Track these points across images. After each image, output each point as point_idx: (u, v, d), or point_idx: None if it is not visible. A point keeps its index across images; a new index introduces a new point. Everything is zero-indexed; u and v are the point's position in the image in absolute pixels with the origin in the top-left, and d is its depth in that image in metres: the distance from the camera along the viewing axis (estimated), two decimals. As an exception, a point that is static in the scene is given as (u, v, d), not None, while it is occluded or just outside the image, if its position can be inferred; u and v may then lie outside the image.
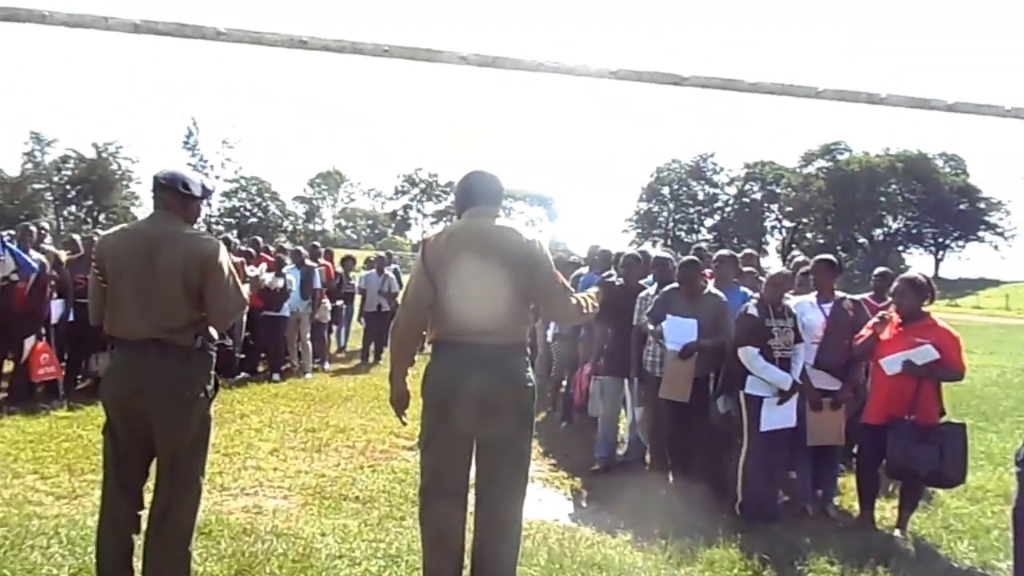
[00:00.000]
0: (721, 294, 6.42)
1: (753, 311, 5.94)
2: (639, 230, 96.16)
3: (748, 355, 5.83)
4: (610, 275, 6.96)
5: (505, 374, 3.74)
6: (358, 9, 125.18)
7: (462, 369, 3.72)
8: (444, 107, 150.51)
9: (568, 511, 6.10)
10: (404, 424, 4.14)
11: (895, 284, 5.76)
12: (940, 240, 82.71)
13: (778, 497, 6.12)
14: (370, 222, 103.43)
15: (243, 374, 11.18)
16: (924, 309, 5.62)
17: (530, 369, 3.89)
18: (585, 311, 4.00)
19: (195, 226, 3.96)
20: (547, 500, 6.34)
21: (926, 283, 5.64)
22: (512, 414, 3.76)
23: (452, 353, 3.78)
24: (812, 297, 6.26)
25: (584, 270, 9.37)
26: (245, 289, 4.01)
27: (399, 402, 3.98)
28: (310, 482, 6.32)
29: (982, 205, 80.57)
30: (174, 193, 3.84)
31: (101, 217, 72.89)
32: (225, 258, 3.80)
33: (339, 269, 14.97)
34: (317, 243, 15.20)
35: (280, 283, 11.32)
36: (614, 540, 5.26)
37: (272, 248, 13.77)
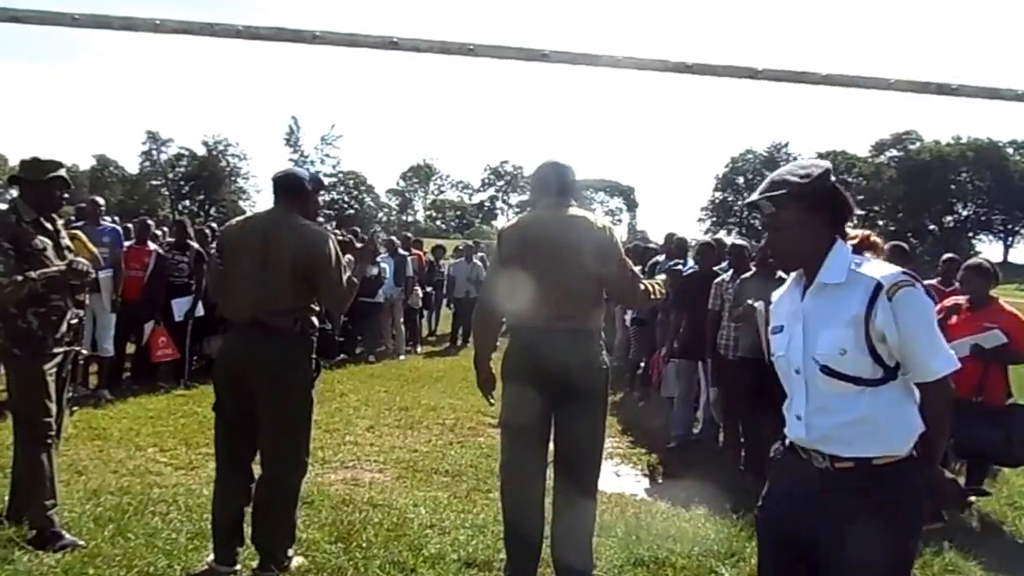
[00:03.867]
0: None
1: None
2: (714, 219, 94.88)
3: None
4: (677, 264, 6.89)
5: (578, 358, 3.73)
6: (446, 8, 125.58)
7: (538, 353, 3.72)
8: (528, 101, 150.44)
9: (645, 486, 6.11)
10: (491, 404, 4.17)
11: (961, 271, 5.61)
12: (1009, 227, 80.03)
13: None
14: (458, 213, 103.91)
15: (342, 356, 11.35)
16: (991, 294, 5.46)
17: (604, 352, 3.88)
18: (653, 296, 3.98)
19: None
20: (625, 475, 6.36)
21: (991, 268, 5.49)
22: (586, 396, 3.75)
23: (528, 338, 3.79)
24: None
25: (661, 257, 9.32)
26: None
27: (485, 384, 4.02)
28: (403, 456, 6.42)
29: (1052, 191, 77.40)
30: (289, 189, 3.94)
31: (212, 210, 74.74)
32: (334, 248, 3.87)
33: (430, 257, 15.18)
34: (409, 233, 15.41)
35: (374, 271, 11.47)
36: (688, 514, 5.23)
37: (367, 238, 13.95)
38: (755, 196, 2.41)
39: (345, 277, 3.92)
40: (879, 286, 2.22)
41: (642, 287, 3.89)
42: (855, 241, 2.43)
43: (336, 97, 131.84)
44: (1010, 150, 79.29)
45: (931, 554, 4.56)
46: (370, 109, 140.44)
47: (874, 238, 2.48)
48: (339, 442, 6.76)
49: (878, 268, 2.30)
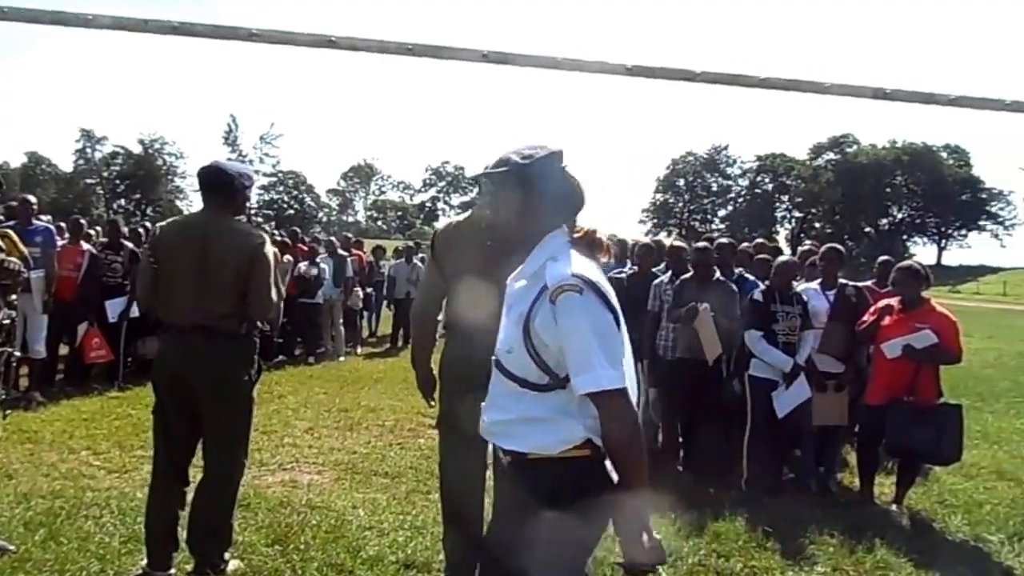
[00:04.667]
0: (732, 283, 6.34)
1: (759, 297, 5.91)
2: (655, 220, 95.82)
3: (752, 338, 5.82)
4: (620, 272, 6.92)
5: None
6: (385, 8, 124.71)
7: (474, 353, 3.68)
8: (471, 101, 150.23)
9: (583, 488, 6.07)
10: (431, 406, 4.11)
11: (894, 273, 5.69)
12: (943, 229, 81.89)
13: (783, 474, 6.07)
14: (400, 213, 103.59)
15: (280, 357, 11.21)
16: (924, 295, 5.55)
17: None
18: None
19: (240, 217, 3.97)
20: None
21: (923, 271, 5.56)
22: None
23: (464, 337, 3.74)
24: (816, 284, 6.18)
25: (603, 259, 9.31)
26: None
27: (424, 384, 3.97)
28: (342, 458, 6.35)
29: (984, 196, 79.75)
30: (218, 187, 3.85)
31: (148, 210, 73.74)
32: (270, 252, 3.83)
33: (370, 258, 15.10)
34: (349, 234, 15.29)
35: (314, 271, 11.44)
36: (627, 514, 5.22)
37: (307, 239, 13.87)
38: (479, 171, 2.34)
39: (274, 289, 3.86)
40: (545, 286, 2.12)
41: None
42: (579, 235, 2.34)
43: (276, 95, 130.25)
44: (944, 154, 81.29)
45: (863, 551, 4.64)
46: (311, 108, 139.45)
47: (600, 235, 2.37)
48: (277, 444, 6.65)
49: (561, 267, 2.14)
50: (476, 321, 3.72)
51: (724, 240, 7.11)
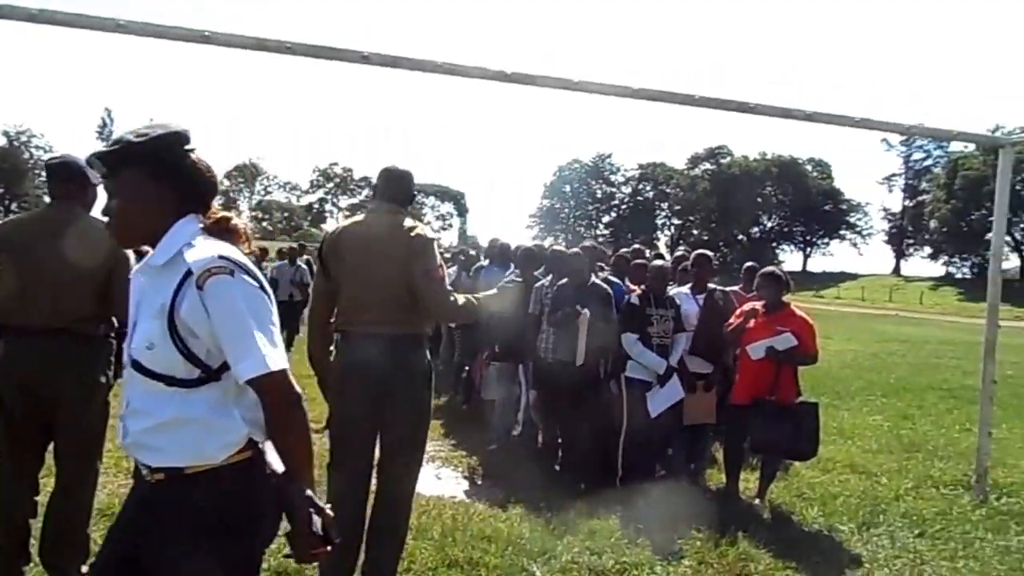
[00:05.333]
0: (606, 286, 6.44)
1: (635, 300, 6.01)
2: (542, 225, 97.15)
3: (627, 341, 5.92)
4: (512, 281, 6.95)
5: (401, 362, 3.68)
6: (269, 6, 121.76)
7: (359, 357, 3.67)
8: (360, 103, 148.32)
9: (464, 488, 6.08)
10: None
11: (757, 278, 5.90)
12: (808, 238, 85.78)
13: (656, 471, 6.21)
14: (286, 214, 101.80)
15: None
16: (784, 299, 5.76)
17: (428, 358, 3.85)
18: (467, 314, 3.91)
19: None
20: (446, 478, 6.32)
21: (783, 276, 5.79)
22: (406, 401, 3.72)
23: (350, 341, 3.73)
24: (687, 289, 6.36)
25: (485, 262, 9.32)
26: None
27: (328, 388, 3.89)
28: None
29: (844, 207, 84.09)
30: (70, 180, 3.64)
31: (13, 205, 69.90)
32: (130, 251, 3.59)
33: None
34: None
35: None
36: (504, 514, 5.25)
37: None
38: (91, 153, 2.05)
39: None
40: (189, 272, 1.91)
41: (454, 299, 3.81)
42: (211, 221, 2.12)
43: (154, 90, 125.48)
44: (808, 167, 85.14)
45: (727, 544, 4.79)
46: (192, 104, 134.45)
47: (236, 222, 2.17)
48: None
49: (203, 251, 1.96)
50: (363, 326, 3.70)
51: (587, 244, 7.23)
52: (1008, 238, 62.24)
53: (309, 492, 1.97)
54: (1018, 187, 57.19)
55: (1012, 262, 66.30)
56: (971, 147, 57.05)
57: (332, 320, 3.87)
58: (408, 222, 3.81)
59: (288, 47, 4.51)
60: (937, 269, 72.91)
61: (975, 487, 6.11)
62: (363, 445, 3.75)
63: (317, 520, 1.96)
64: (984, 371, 6.14)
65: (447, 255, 14.06)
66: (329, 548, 1.98)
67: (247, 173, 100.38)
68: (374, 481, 3.84)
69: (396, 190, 3.88)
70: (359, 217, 3.92)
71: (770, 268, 5.91)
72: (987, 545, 5.02)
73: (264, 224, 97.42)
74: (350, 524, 3.75)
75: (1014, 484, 6.46)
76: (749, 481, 6.07)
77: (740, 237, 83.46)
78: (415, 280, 3.68)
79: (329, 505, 2.01)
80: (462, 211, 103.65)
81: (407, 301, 3.70)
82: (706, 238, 78.61)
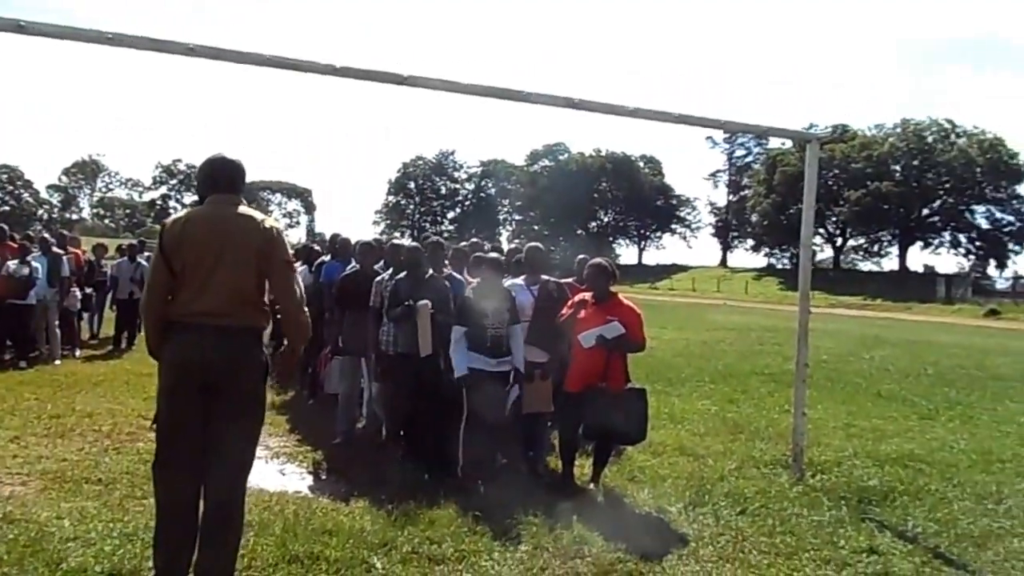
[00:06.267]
0: (444, 280, 6.47)
1: (470, 294, 6.04)
2: (388, 221, 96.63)
3: (455, 334, 5.95)
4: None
5: (234, 356, 3.60)
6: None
7: (192, 350, 3.55)
8: (204, 99, 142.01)
9: (308, 483, 6.01)
10: None
11: (586, 269, 6.06)
12: (642, 232, 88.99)
13: (496, 460, 6.28)
14: (129, 211, 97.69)
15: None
16: (612, 289, 5.93)
17: (264, 353, 3.76)
18: (307, 324, 3.85)
19: None
20: (290, 473, 6.22)
21: (610, 267, 5.95)
22: (240, 396, 3.63)
23: (183, 334, 3.61)
24: (521, 280, 6.47)
25: (327, 258, 9.18)
26: None
27: None
28: (51, 467, 5.85)
29: (674, 202, 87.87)
30: None
31: None
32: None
33: (90, 257, 13.98)
34: (67, 231, 14.06)
35: (25, 271, 10.39)
36: (347, 507, 5.21)
37: (18, 236, 12.56)
38: None
39: None
40: None
41: (303, 315, 3.76)
42: None
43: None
44: (641, 163, 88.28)
45: (562, 528, 4.91)
46: (26, 99, 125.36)
47: None
48: (-28, 456, 5.96)
49: None
50: (197, 318, 3.57)
51: (434, 240, 7.24)
52: (822, 230, 66.88)
53: None
54: (831, 182, 61.90)
55: (827, 253, 71.21)
56: (788, 144, 60.76)
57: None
58: (256, 213, 3.73)
59: (109, 38, 4.28)
60: (760, 260, 77.15)
61: (792, 466, 6.47)
62: (192, 442, 3.62)
63: None
64: (798, 355, 6.50)
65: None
66: None
67: (87, 170, 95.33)
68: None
69: (232, 180, 3.78)
70: (203, 207, 3.77)
71: (597, 259, 6.04)
72: (802, 520, 5.34)
73: (107, 222, 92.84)
74: (180, 524, 3.64)
75: (827, 462, 6.90)
76: (584, 467, 6.22)
77: (579, 232, 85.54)
78: (275, 269, 3.62)
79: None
80: (310, 208, 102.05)
81: (250, 293, 3.62)
82: (546, 233, 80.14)
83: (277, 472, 6.17)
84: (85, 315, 13.62)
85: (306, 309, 3.81)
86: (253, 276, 3.62)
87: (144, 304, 3.78)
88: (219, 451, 3.64)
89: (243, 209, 3.71)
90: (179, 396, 3.58)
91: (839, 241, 70.67)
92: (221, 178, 3.76)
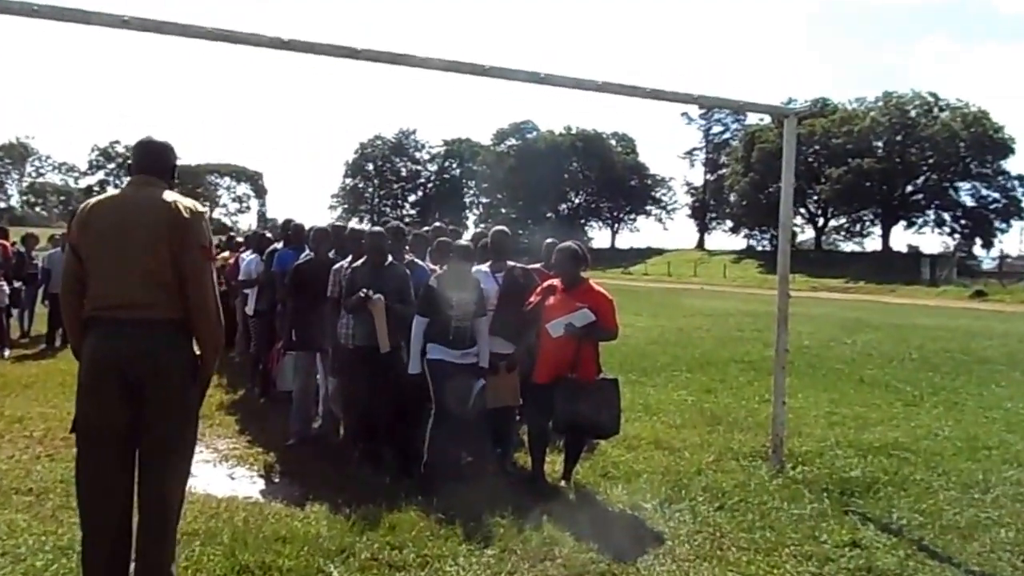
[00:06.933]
0: (404, 267, 6.41)
1: (433, 283, 5.98)
2: (346, 205, 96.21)
3: (416, 325, 5.90)
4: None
5: (155, 352, 3.48)
6: None
7: (110, 347, 3.45)
8: (145, 78, 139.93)
9: (260, 487, 5.92)
10: None
11: (554, 254, 6.00)
12: (615, 214, 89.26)
13: (461, 458, 6.25)
14: (63, 198, 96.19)
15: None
16: (583, 275, 5.89)
17: (192, 347, 3.64)
18: (219, 326, 3.70)
19: None
20: (240, 477, 6.14)
21: (580, 251, 5.89)
22: (166, 398, 3.50)
23: (99, 329, 3.51)
24: (486, 267, 6.41)
25: (279, 245, 9.03)
26: None
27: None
28: (-27, 478, 5.71)
29: (649, 182, 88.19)
30: None
31: None
32: None
33: (19, 248, 13.70)
34: (-7, 222, 13.80)
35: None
36: (302, 512, 5.16)
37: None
38: None
39: None
40: None
41: (217, 315, 3.65)
42: None
43: None
44: (613, 142, 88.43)
45: (531, 529, 4.90)
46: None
47: None
48: None
49: None
50: (112, 312, 3.47)
51: (394, 224, 7.15)
52: (803, 210, 67.48)
53: None
54: (811, 159, 62.46)
55: (808, 234, 71.96)
56: (767, 120, 61.13)
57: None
58: (169, 194, 3.61)
59: (35, 9, 4.18)
60: (739, 242, 77.96)
61: (772, 457, 6.52)
62: (118, 451, 3.51)
63: None
64: (777, 341, 6.54)
65: (239, 239, 13.58)
66: None
67: (14, 154, 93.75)
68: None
69: (153, 162, 3.70)
70: (113, 192, 3.72)
71: (567, 243, 5.98)
72: (783, 514, 5.38)
73: (39, 209, 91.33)
74: (107, 543, 3.53)
75: (808, 452, 6.96)
76: (556, 463, 6.21)
77: (548, 215, 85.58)
78: (186, 254, 3.50)
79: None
80: (260, 192, 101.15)
81: (167, 281, 3.50)
82: (514, 216, 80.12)
83: (226, 476, 6.10)
84: (15, 311, 13.39)
85: (220, 313, 3.69)
86: (167, 262, 3.49)
87: (60, 299, 3.72)
88: (148, 461, 3.55)
89: (156, 190, 3.60)
90: (99, 399, 3.46)
91: (820, 221, 71.46)
92: (143, 160, 3.69)
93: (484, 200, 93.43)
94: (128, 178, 3.73)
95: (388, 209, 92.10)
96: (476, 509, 5.12)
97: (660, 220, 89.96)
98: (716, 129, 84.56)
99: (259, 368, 9.04)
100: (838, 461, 6.73)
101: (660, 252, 76.46)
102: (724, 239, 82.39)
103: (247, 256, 10.11)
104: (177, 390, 3.55)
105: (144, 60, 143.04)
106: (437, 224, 9.12)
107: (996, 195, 63.31)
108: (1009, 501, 5.80)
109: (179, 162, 3.88)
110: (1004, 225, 63.16)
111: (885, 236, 67.99)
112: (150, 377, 3.45)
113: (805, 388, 10.22)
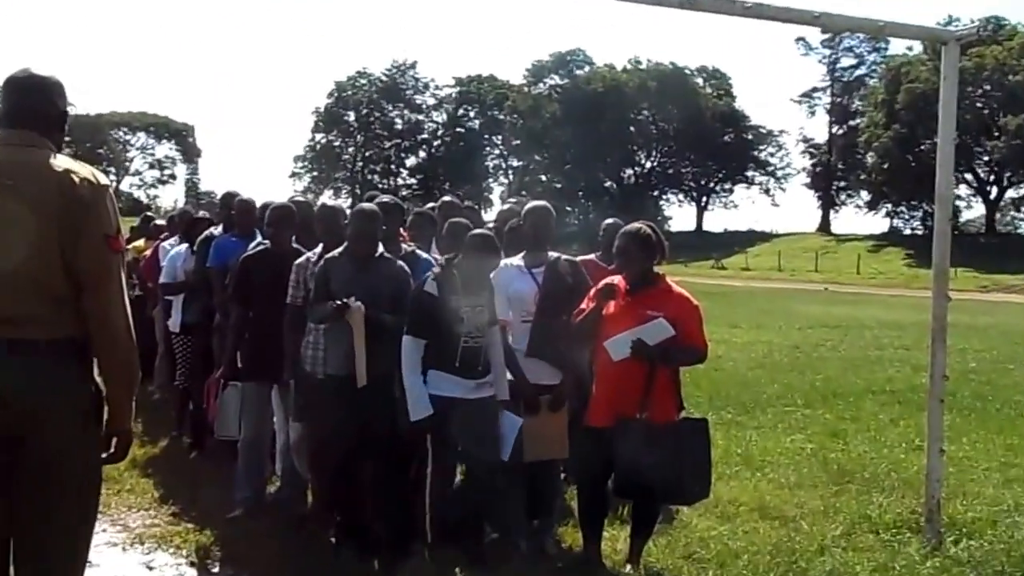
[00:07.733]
0: (399, 261, 6.26)
1: (431, 288, 5.83)
2: (315, 172, 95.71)
3: (408, 351, 5.78)
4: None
5: (34, 386, 3.32)
6: None
7: None
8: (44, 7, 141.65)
9: (189, 581, 5.94)
10: None
11: (617, 240, 5.91)
12: (703, 183, 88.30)
13: (484, 532, 6.23)
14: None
15: None
16: (657, 271, 5.85)
17: (93, 380, 3.53)
18: (133, 361, 3.58)
19: None
20: (161, 566, 6.12)
21: (653, 237, 5.80)
22: (53, 451, 3.37)
23: None
24: (519, 259, 6.34)
25: (217, 230, 8.92)
26: None
27: None
28: None
29: (750, 136, 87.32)
30: None
31: None
32: None
33: None
34: None
35: None
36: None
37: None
38: None
39: None
40: None
41: (125, 326, 3.53)
42: None
43: None
44: (700, 80, 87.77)
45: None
46: None
47: None
48: None
49: None
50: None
51: (386, 200, 7.09)
52: (968, 176, 66.76)
53: None
54: (980, 104, 61.72)
55: (976, 210, 71.23)
56: (917, 48, 60.48)
57: None
58: (59, 160, 3.47)
59: None
60: (878, 223, 77.72)
61: (925, 528, 6.46)
62: None
63: None
64: (932, 364, 6.47)
65: (159, 221, 13.54)
66: None
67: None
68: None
69: (32, 109, 3.51)
70: None
71: (635, 225, 5.89)
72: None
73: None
74: None
75: (977, 521, 6.87)
76: (618, 539, 6.19)
77: (607, 184, 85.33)
78: (84, 246, 3.36)
79: None
80: (190, 154, 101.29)
81: (54, 285, 3.38)
82: (559, 186, 79.89)
83: (141, 565, 6.10)
84: None
85: (132, 329, 3.56)
86: (57, 258, 3.35)
87: None
88: (27, 547, 3.48)
89: (38, 153, 3.45)
90: None
91: (993, 192, 70.73)
92: (16, 107, 3.51)
93: (515, 164, 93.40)
94: None
95: (376, 177, 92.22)
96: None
97: (767, 191, 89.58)
98: (845, 62, 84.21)
99: (188, 407, 9.02)
100: (1018, 532, 6.64)
101: (767, 237, 76.25)
102: (857, 219, 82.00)
103: (171, 246, 9.94)
104: (69, 443, 3.42)
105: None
106: (447, 198, 9.08)
107: None
108: None
109: (71, 110, 3.75)
110: None
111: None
112: (28, 422, 3.31)
113: (972, 430, 10.11)
